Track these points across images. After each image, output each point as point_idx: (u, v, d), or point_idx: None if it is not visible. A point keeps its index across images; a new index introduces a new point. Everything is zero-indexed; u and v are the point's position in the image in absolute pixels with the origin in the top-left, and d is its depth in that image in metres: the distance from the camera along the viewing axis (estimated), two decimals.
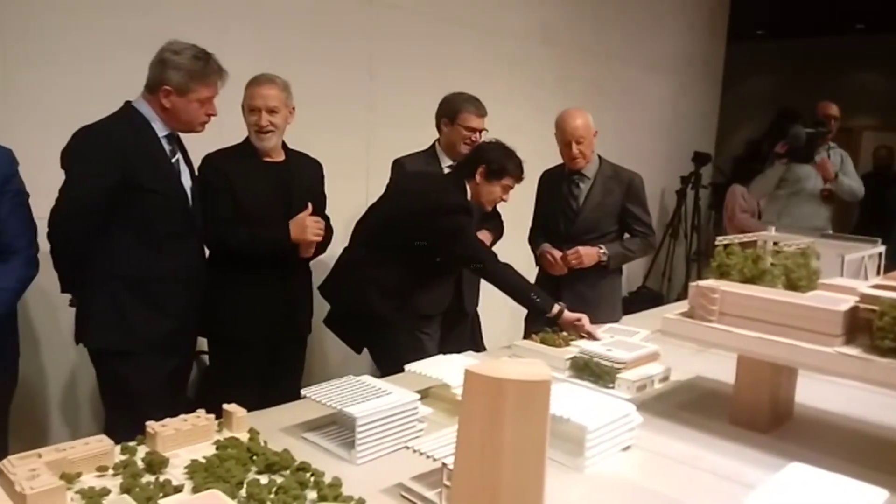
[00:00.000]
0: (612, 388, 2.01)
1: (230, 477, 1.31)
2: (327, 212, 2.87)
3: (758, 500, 1.15)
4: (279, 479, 1.34)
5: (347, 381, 1.70)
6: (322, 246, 2.73)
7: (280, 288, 2.65)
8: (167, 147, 2.30)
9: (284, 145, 2.71)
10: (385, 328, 2.60)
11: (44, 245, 2.28)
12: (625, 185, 3.09)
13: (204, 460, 1.37)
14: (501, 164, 2.63)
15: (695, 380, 2.16)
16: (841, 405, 1.95)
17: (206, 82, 2.26)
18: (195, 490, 1.28)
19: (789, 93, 5.17)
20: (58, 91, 2.73)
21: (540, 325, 2.59)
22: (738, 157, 7.17)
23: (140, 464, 1.38)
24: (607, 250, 3.04)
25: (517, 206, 2.97)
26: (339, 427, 1.65)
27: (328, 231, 2.81)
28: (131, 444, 1.47)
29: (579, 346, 2.20)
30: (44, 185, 2.22)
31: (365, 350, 2.78)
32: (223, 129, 2.58)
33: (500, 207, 2.90)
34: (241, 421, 1.57)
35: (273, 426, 1.66)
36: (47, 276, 2.31)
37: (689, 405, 1.95)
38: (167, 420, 1.51)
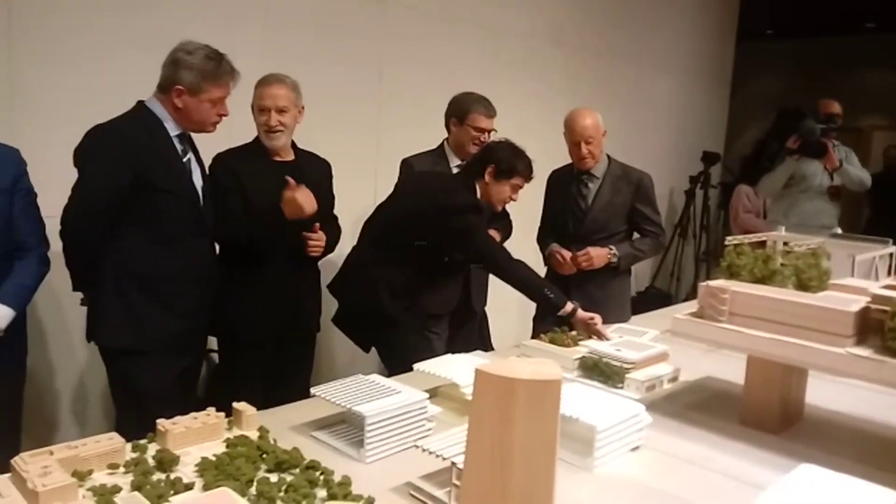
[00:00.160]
0: (621, 388, 2.01)
1: (240, 475, 1.31)
2: (336, 211, 2.88)
3: (768, 501, 1.15)
4: (289, 478, 1.34)
5: (356, 379, 1.71)
6: (330, 245, 2.74)
7: (289, 287, 2.66)
8: (179, 147, 2.31)
9: (294, 145, 2.72)
10: (394, 327, 2.60)
11: (52, 244, 2.31)
12: (634, 184, 3.08)
13: (214, 458, 1.38)
14: (511, 163, 2.63)
15: (704, 380, 2.15)
16: (851, 406, 1.94)
17: (219, 83, 2.27)
18: (206, 488, 1.28)
19: (799, 92, 5.15)
20: (65, 90, 2.74)
21: (549, 324, 2.59)
22: (745, 156, 7.15)
23: (151, 461, 1.39)
24: (617, 251, 3.03)
25: (525, 206, 2.97)
26: (348, 426, 1.65)
27: (337, 230, 2.82)
28: (142, 441, 1.47)
29: (588, 346, 2.20)
30: (52, 184, 2.24)
31: (373, 349, 2.78)
32: (233, 129, 2.59)
33: (509, 207, 2.90)
34: (251, 419, 1.58)
35: (282, 424, 1.67)
36: (55, 274, 2.33)
37: (699, 405, 1.94)
38: (178, 418, 1.51)
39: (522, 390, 0.96)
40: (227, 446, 1.45)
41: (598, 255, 3.00)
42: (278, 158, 2.66)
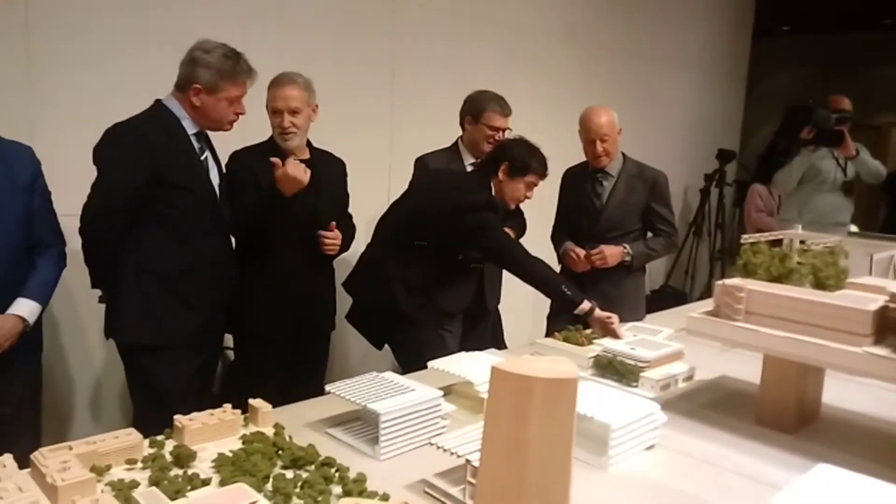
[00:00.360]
0: (636, 386, 2.00)
1: (257, 471, 1.32)
2: (350, 210, 2.89)
3: (784, 501, 1.14)
4: (304, 474, 1.35)
5: (371, 377, 1.71)
6: (345, 244, 2.75)
7: (304, 285, 2.68)
8: (196, 145, 2.33)
9: (309, 143, 2.73)
10: (408, 325, 2.61)
11: (68, 241, 2.34)
12: (649, 183, 3.07)
13: (231, 454, 1.39)
14: (525, 160, 2.63)
15: (719, 379, 2.14)
16: (868, 406, 1.92)
17: (236, 81, 2.29)
18: (222, 483, 1.29)
19: (815, 89, 5.10)
20: (81, 89, 2.77)
21: (563, 322, 2.59)
22: (759, 155, 7.09)
23: (168, 457, 1.40)
24: (631, 250, 3.02)
25: (539, 204, 2.97)
26: (362, 423, 1.66)
27: (351, 229, 2.83)
28: (159, 437, 1.49)
29: (602, 345, 2.19)
30: (68, 183, 2.27)
31: (386, 346, 2.79)
32: (247, 128, 2.60)
33: (522, 205, 2.90)
34: (267, 416, 1.59)
35: (297, 421, 1.67)
36: (69, 271, 2.37)
37: (714, 405, 1.93)
38: (194, 414, 1.53)
39: (539, 388, 0.96)
40: (244, 443, 1.46)
41: (612, 253, 2.99)
42: (294, 157, 2.67)
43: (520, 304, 3.56)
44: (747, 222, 5.49)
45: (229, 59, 2.28)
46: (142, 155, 2.19)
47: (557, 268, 3.16)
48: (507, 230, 2.99)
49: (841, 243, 1.93)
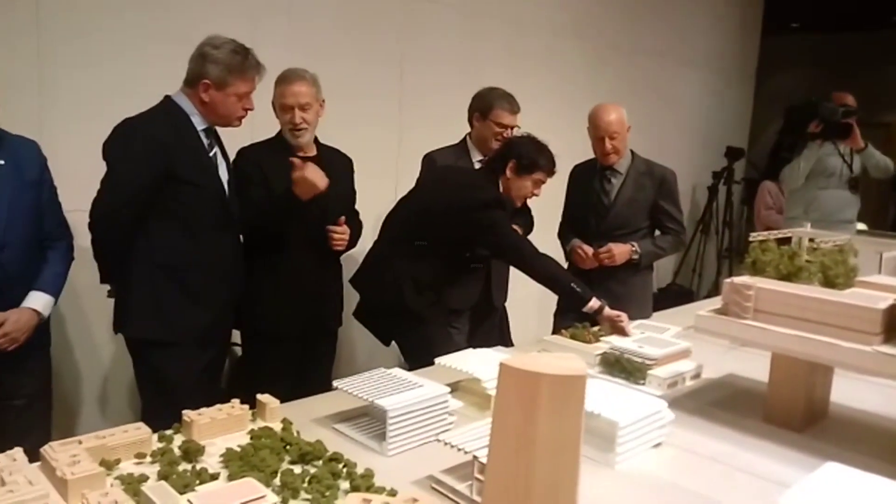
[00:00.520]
0: (643, 384, 2.00)
1: (265, 466, 1.33)
2: (357, 207, 2.89)
3: (793, 499, 1.13)
4: (312, 469, 1.36)
5: (378, 373, 1.72)
6: (353, 240, 2.75)
7: (313, 282, 2.68)
8: (205, 140, 2.34)
9: (316, 140, 2.74)
10: (416, 322, 2.61)
11: (76, 237, 2.36)
12: (658, 181, 3.06)
13: (239, 449, 1.39)
14: (532, 158, 2.62)
15: (727, 377, 2.13)
16: (877, 404, 1.92)
17: (244, 77, 2.30)
18: (231, 478, 1.30)
19: (825, 86, 5.07)
20: (91, 85, 2.77)
21: (570, 320, 2.58)
22: (769, 152, 7.05)
23: (177, 451, 1.41)
24: (639, 248, 3.02)
25: (547, 201, 2.96)
26: (370, 419, 1.66)
27: (359, 226, 2.83)
28: (168, 432, 1.50)
29: (609, 342, 2.19)
30: (76, 178, 2.29)
31: (392, 342, 2.80)
32: (255, 124, 2.61)
33: (530, 202, 2.89)
34: (275, 411, 1.59)
35: (305, 417, 1.68)
36: (76, 266, 2.38)
37: (722, 403, 1.93)
38: (203, 409, 1.53)
39: (547, 385, 0.96)
40: (252, 438, 1.47)
41: (621, 251, 2.99)
42: (301, 154, 2.67)
43: (527, 301, 3.56)
44: (757, 220, 5.47)
45: (238, 55, 2.28)
46: (151, 151, 2.20)
47: (565, 265, 3.15)
48: (515, 227, 2.99)
49: (850, 241, 1.92)
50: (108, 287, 2.40)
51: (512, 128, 3.00)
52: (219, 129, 2.43)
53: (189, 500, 1.17)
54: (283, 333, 2.66)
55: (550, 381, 0.96)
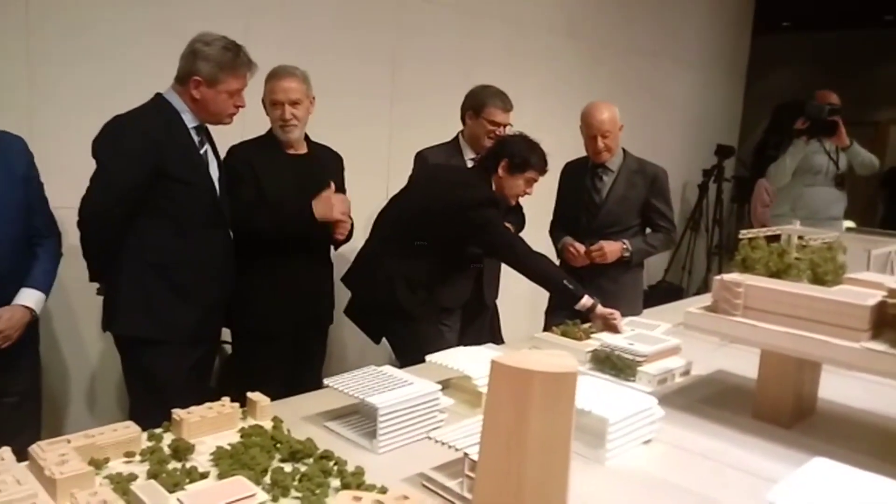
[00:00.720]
0: (633, 381, 2.01)
1: (255, 464, 1.32)
2: (345, 197, 2.87)
3: (781, 494, 1.14)
4: (303, 467, 1.35)
5: (369, 371, 1.71)
6: (345, 237, 2.75)
7: (303, 279, 2.68)
8: (196, 138, 2.33)
9: (307, 137, 2.73)
10: (408, 320, 2.61)
11: (64, 234, 2.35)
12: (649, 179, 3.07)
13: (229, 447, 1.39)
14: (524, 157, 2.62)
15: (716, 374, 2.14)
16: (865, 400, 1.93)
17: (236, 74, 2.28)
18: (221, 476, 1.29)
19: (815, 85, 5.09)
20: (81, 82, 2.76)
21: (561, 317, 2.59)
22: (753, 150, 7.10)
23: (166, 450, 1.40)
24: (630, 246, 3.03)
25: (538, 199, 2.96)
26: (360, 416, 1.66)
27: (349, 223, 2.82)
28: (158, 430, 1.49)
29: (600, 339, 2.19)
30: (65, 175, 2.27)
31: (383, 340, 2.79)
32: (245, 122, 2.60)
33: (521, 200, 2.90)
34: (265, 409, 1.59)
35: (295, 415, 1.68)
36: (65, 263, 2.37)
37: (711, 399, 1.94)
38: (192, 408, 1.53)
39: (538, 382, 0.96)
40: (242, 436, 1.46)
41: (612, 249, 2.99)
42: (292, 151, 2.67)
43: (518, 298, 3.56)
44: (753, 217, 5.49)
45: (229, 52, 2.27)
46: (142, 148, 2.18)
47: (557, 262, 3.16)
48: (508, 225, 2.99)
49: (839, 239, 1.93)
50: (96, 285, 2.39)
51: (504, 126, 3.00)
52: (210, 127, 2.42)
53: (178, 499, 1.17)
54: (274, 331, 2.66)
55: (542, 379, 0.96)
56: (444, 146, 3.10)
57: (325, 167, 2.73)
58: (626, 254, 3.02)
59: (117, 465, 1.35)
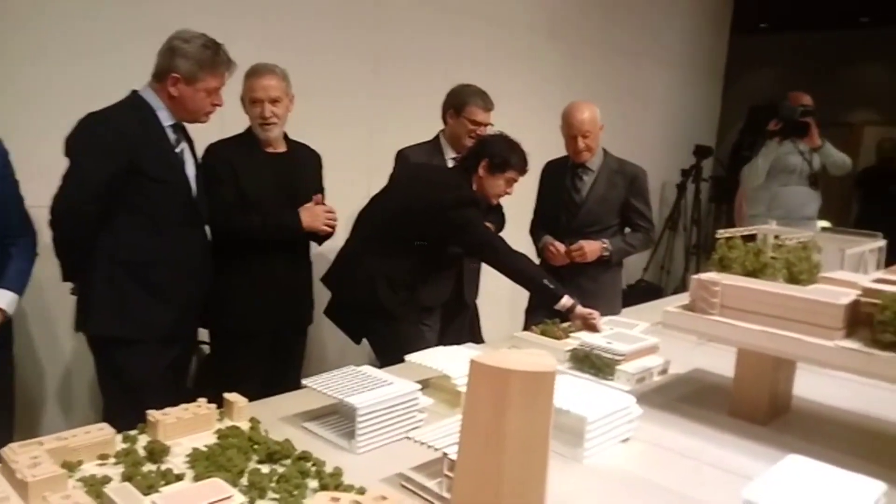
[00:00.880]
0: (612, 380, 2.02)
1: (232, 466, 1.31)
2: (329, 203, 2.86)
3: (756, 491, 1.15)
4: (280, 469, 1.34)
5: (348, 371, 1.71)
6: (328, 235, 2.74)
7: (283, 278, 2.66)
8: (172, 136, 2.29)
9: (285, 136, 2.71)
10: (389, 320, 2.60)
11: (38, 233, 2.30)
12: (629, 179, 3.09)
13: (206, 449, 1.38)
14: (504, 157, 2.63)
15: (693, 372, 2.16)
16: (838, 398, 1.96)
17: (215, 72, 2.26)
18: (197, 478, 1.28)
19: (792, 86, 5.15)
20: (55, 81, 2.71)
21: (541, 316, 2.60)
22: (729, 152, 7.17)
23: (141, 452, 1.38)
24: (610, 245, 3.04)
25: (518, 198, 2.97)
26: (339, 417, 1.65)
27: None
28: (133, 432, 1.47)
29: (579, 338, 2.20)
30: (44, 174, 2.23)
31: (364, 340, 2.78)
32: (224, 120, 2.57)
33: (501, 199, 2.90)
34: (242, 410, 1.57)
35: (274, 416, 1.66)
36: (39, 261, 2.32)
37: (688, 397, 1.96)
38: (168, 409, 1.51)
39: (517, 381, 0.96)
40: (219, 437, 1.45)
41: (592, 249, 3.01)
42: (270, 150, 2.65)
43: (498, 298, 3.57)
44: (737, 217, 5.53)
45: (209, 49, 2.24)
46: (115, 145, 2.15)
47: (537, 261, 3.17)
48: (488, 225, 2.99)
49: (814, 238, 1.96)
50: (71, 284, 2.35)
51: (485, 125, 3.00)
52: (188, 126, 2.39)
53: (153, 502, 1.15)
54: (252, 331, 2.64)
55: (520, 378, 0.96)
56: (425, 145, 3.09)
57: (304, 166, 2.71)
58: (606, 253, 3.04)
59: (91, 468, 1.33)
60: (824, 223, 4.42)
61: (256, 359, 2.65)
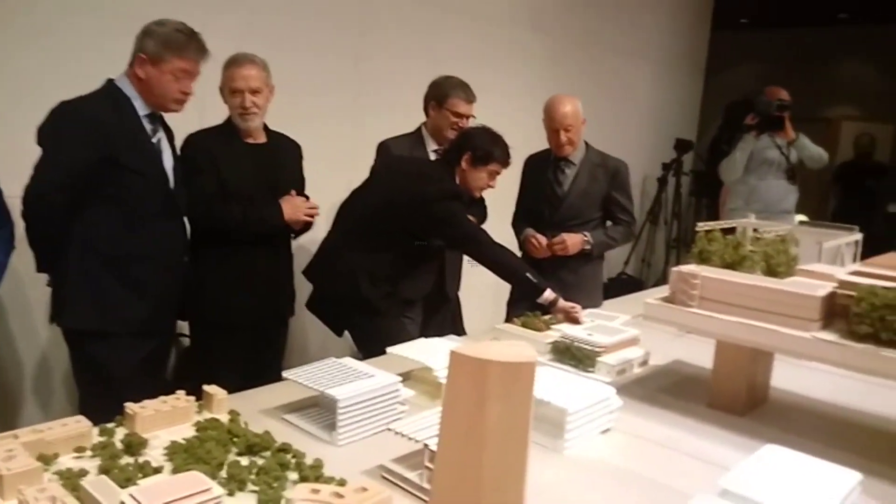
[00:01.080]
0: (593, 371, 2.03)
1: (211, 458, 1.30)
2: (313, 199, 2.84)
3: (734, 480, 1.17)
4: (260, 461, 1.34)
5: (329, 363, 1.70)
6: (306, 226, 2.72)
7: (263, 270, 2.64)
8: (149, 126, 2.26)
9: (265, 126, 2.68)
10: (371, 313, 2.60)
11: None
12: (611, 172, 3.10)
13: (184, 442, 1.36)
14: (487, 149, 2.62)
15: (673, 364, 2.18)
16: (815, 389, 1.99)
17: (182, 55, 2.20)
18: (175, 471, 1.27)
19: (771, 82, 5.19)
20: (31, 70, 2.66)
21: (523, 309, 2.60)
22: (708, 147, 7.23)
23: (119, 445, 1.37)
24: (591, 238, 3.05)
25: (501, 191, 2.97)
26: (320, 409, 1.65)
27: None
28: (110, 425, 1.45)
29: (560, 330, 2.21)
30: (19, 164, 2.19)
31: (345, 333, 2.77)
32: (204, 111, 2.54)
33: (484, 192, 2.90)
34: (222, 402, 1.56)
35: (253, 408, 1.65)
36: (18, 253, 2.29)
37: (668, 389, 1.97)
38: (146, 401, 1.49)
39: (496, 372, 0.96)
40: (198, 430, 1.44)
41: (574, 242, 3.02)
42: (250, 140, 2.62)
43: (480, 290, 3.57)
44: (721, 211, 5.58)
45: (181, 34, 2.20)
46: (88, 133, 2.11)
47: (519, 254, 3.17)
48: (470, 217, 2.99)
49: (792, 231, 1.98)
50: (47, 276, 2.32)
51: (468, 117, 2.99)
52: (167, 117, 2.35)
53: (131, 495, 1.14)
54: (233, 323, 2.62)
55: (499, 368, 0.97)
56: (407, 137, 3.08)
57: (284, 156, 2.69)
58: (588, 246, 3.05)
59: (67, 461, 1.31)
60: (802, 217, 4.47)
61: (237, 351, 2.63)
